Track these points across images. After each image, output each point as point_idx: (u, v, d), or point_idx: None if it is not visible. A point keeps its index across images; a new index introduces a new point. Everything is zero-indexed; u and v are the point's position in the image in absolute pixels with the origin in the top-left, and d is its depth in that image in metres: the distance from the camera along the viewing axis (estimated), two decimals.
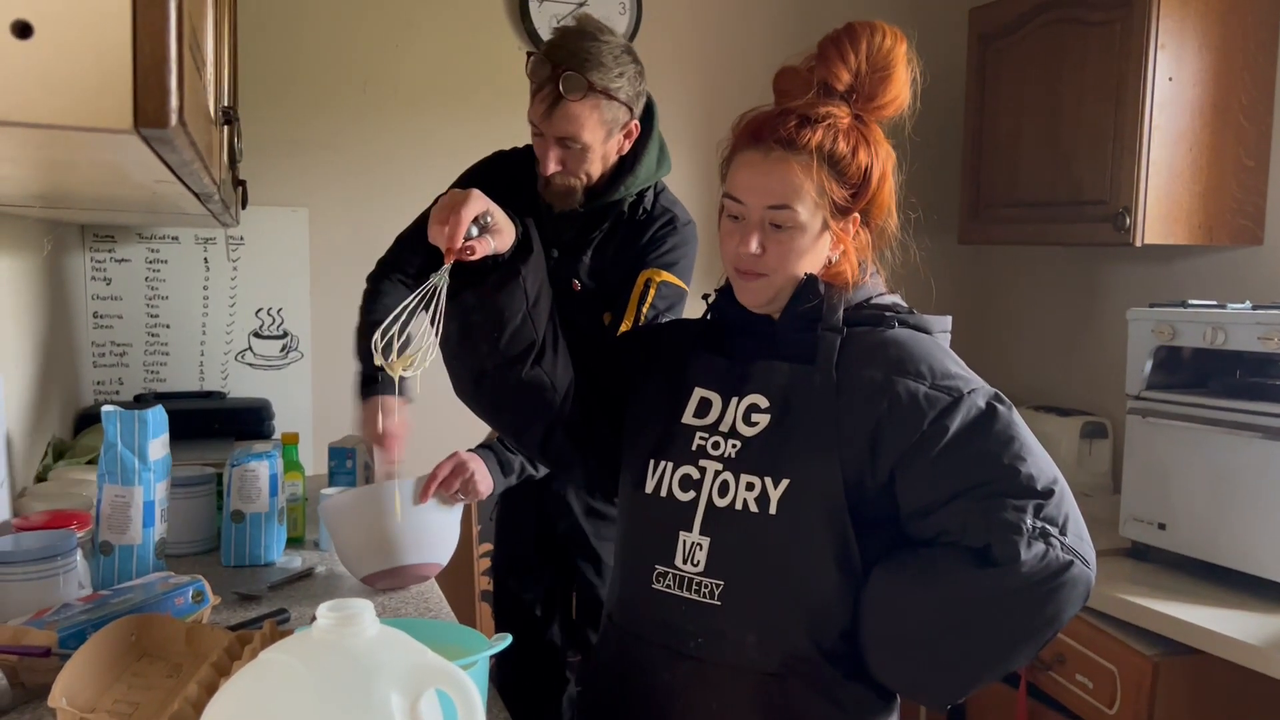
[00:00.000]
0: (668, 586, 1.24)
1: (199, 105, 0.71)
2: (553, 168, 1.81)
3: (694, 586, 1.22)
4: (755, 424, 1.22)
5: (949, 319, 1.31)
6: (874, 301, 1.27)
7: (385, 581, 1.70)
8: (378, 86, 2.73)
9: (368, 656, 0.75)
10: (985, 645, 1.15)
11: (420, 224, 2.04)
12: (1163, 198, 2.28)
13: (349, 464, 2.18)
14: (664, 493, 1.26)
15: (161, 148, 0.64)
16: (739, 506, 1.20)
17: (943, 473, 1.14)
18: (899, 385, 1.16)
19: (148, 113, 0.55)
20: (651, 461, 1.28)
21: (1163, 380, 2.08)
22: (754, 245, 1.21)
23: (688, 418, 1.28)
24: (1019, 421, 1.17)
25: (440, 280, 1.15)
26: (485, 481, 1.80)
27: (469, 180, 2.04)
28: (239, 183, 1.84)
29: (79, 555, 1.49)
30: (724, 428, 1.24)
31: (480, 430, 2.36)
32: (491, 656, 1.19)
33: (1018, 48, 2.62)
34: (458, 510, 1.78)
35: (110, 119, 0.55)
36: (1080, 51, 2.42)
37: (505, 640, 1.13)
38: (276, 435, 2.44)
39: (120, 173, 0.86)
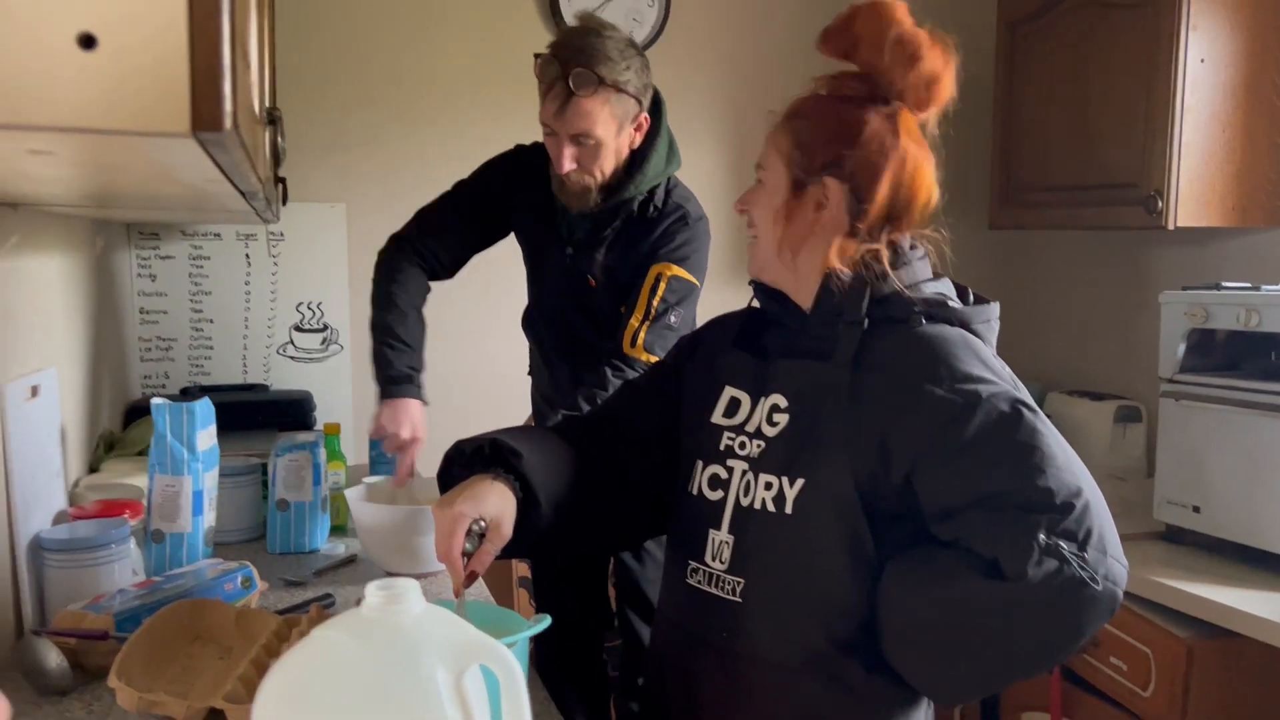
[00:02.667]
0: (699, 583, 1.26)
1: (247, 107, 0.75)
2: (569, 165, 1.83)
3: (720, 583, 1.23)
4: (776, 424, 1.21)
5: (993, 308, 1.26)
6: (907, 291, 1.21)
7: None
8: (412, 83, 2.77)
9: (414, 633, 0.79)
10: (991, 654, 1.12)
11: (444, 206, 2.07)
12: (1195, 180, 2.26)
13: (389, 455, 2.22)
14: (696, 491, 1.28)
15: (214, 150, 0.67)
16: (758, 506, 1.20)
17: (958, 479, 1.10)
18: (913, 388, 1.13)
19: (203, 117, 0.58)
20: (696, 462, 1.29)
21: (1196, 363, 2.07)
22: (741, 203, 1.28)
23: (717, 417, 1.28)
24: (1045, 428, 1.11)
25: (461, 609, 1.15)
26: None
27: (488, 173, 2.07)
28: (279, 180, 1.89)
29: (132, 543, 1.54)
30: (750, 428, 1.24)
31: (518, 416, 2.39)
32: (531, 638, 1.22)
33: (1046, 32, 2.61)
34: None
35: (168, 124, 0.58)
36: (1110, 35, 2.41)
37: (545, 621, 1.16)
38: (318, 426, 2.49)
39: (171, 173, 0.90)
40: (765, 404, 1.23)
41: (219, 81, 0.59)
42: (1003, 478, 1.08)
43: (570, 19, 2.82)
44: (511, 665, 0.81)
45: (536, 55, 1.84)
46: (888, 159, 1.19)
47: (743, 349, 1.31)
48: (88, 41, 0.56)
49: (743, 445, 1.24)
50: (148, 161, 0.80)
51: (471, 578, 1.18)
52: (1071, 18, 2.52)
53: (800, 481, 1.16)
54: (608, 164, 1.87)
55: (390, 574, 1.74)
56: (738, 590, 1.21)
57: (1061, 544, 1.04)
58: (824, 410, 1.17)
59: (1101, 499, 1.10)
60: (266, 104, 1.21)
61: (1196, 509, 2.02)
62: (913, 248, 1.25)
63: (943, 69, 1.19)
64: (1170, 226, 2.26)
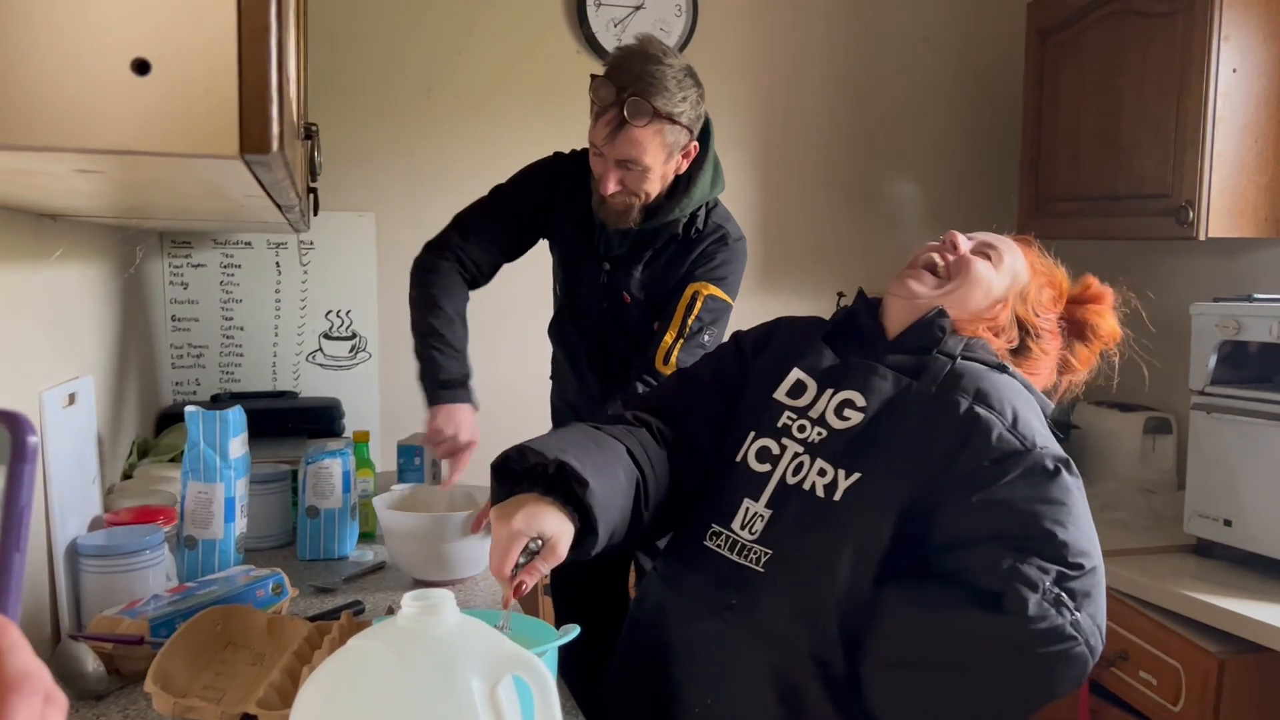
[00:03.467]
0: (718, 546, 1.28)
1: (290, 126, 0.76)
2: (613, 188, 1.83)
3: (743, 551, 1.26)
4: (847, 419, 1.26)
5: (1049, 404, 1.36)
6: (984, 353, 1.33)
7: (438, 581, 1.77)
8: (441, 92, 2.80)
9: (450, 643, 0.79)
10: (969, 690, 1.15)
11: (483, 211, 2.07)
12: (1227, 190, 2.25)
13: (417, 461, 2.24)
14: (740, 459, 1.31)
15: (259, 170, 0.68)
16: (806, 487, 1.24)
17: (986, 514, 1.16)
18: (980, 416, 1.20)
19: (252, 139, 0.60)
20: (749, 432, 1.33)
21: (1228, 375, 2.06)
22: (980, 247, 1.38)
23: (780, 394, 1.34)
24: (1078, 493, 1.17)
25: (505, 623, 1.13)
26: None
27: (528, 179, 2.07)
28: (311, 190, 1.91)
29: (166, 549, 1.56)
30: (814, 414, 1.29)
31: (537, 419, 2.40)
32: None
33: (1077, 41, 2.60)
34: None
35: (219, 146, 0.60)
36: (1141, 44, 2.40)
37: (574, 631, 1.16)
38: (347, 433, 2.51)
39: (214, 190, 0.92)
40: (836, 397, 1.29)
41: (267, 105, 0.60)
42: (1029, 524, 1.13)
43: (597, 27, 2.83)
44: (545, 676, 0.82)
45: (593, 76, 1.83)
46: (1027, 292, 1.39)
47: (828, 343, 1.38)
48: (142, 67, 0.58)
49: (802, 429, 1.29)
50: (191, 179, 0.82)
51: (519, 590, 1.17)
52: (1103, 27, 2.51)
53: (857, 475, 1.21)
54: (653, 188, 1.87)
55: (418, 581, 1.76)
56: (762, 560, 1.24)
57: (1064, 597, 1.09)
58: (901, 422, 1.23)
59: (1103, 573, 1.16)
60: (305, 119, 1.23)
61: (1228, 522, 2.01)
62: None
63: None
64: (1201, 237, 2.25)
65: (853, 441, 1.24)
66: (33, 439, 0.47)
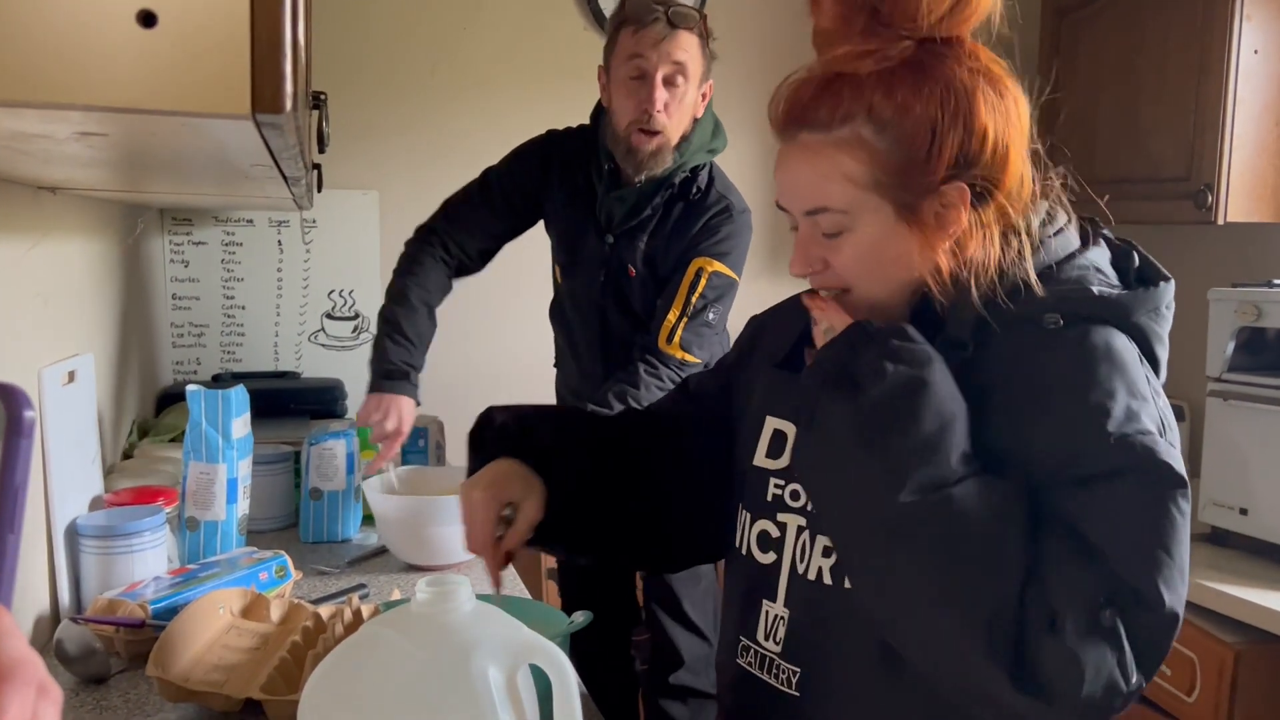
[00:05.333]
0: (749, 664, 1.03)
1: (303, 89, 0.73)
2: (661, 103, 1.83)
3: (773, 670, 0.99)
4: None
5: (1163, 291, 0.94)
6: (1038, 283, 0.90)
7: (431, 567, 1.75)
8: (446, 69, 2.75)
9: (466, 631, 0.77)
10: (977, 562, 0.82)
11: (473, 195, 2.05)
12: (1247, 174, 2.21)
13: (420, 443, 2.21)
14: (745, 550, 1.04)
15: (270, 133, 0.65)
16: (812, 576, 0.96)
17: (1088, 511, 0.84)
18: (1045, 405, 0.87)
19: (265, 99, 0.56)
20: (744, 513, 1.06)
21: (1245, 362, 2.02)
22: (801, 264, 0.96)
23: (759, 459, 1.04)
24: (1184, 517, 0.85)
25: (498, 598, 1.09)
26: None
27: (521, 160, 2.04)
28: (315, 165, 1.87)
29: (167, 530, 1.53)
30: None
31: None
32: None
33: (1095, 20, 2.56)
34: None
35: (229, 105, 0.56)
36: (1160, 24, 2.35)
37: (588, 616, 1.14)
38: (349, 414, 2.48)
39: (219, 158, 0.88)
40: None
41: (280, 62, 0.57)
42: (1121, 541, 0.83)
43: (604, 4, 2.79)
44: (563, 664, 0.79)
45: (622, 2, 1.90)
46: (1009, 123, 0.90)
47: (789, 367, 1.05)
48: (147, 19, 0.54)
49: (795, 495, 0.99)
50: (196, 143, 0.78)
51: (506, 559, 1.08)
52: (1121, 6, 2.47)
53: None
54: (686, 119, 1.88)
55: (411, 567, 1.73)
56: (794, 682, 0.97)
57: (1124, 637, 0.81)
58: None
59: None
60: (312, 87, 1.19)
61: (1244, 511, 1.98)
62: (1047, 219, 0.96)
63: None
64: (1220, 222, 2.21)
65: None
66: (29, 414, 0.44)
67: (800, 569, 0.97)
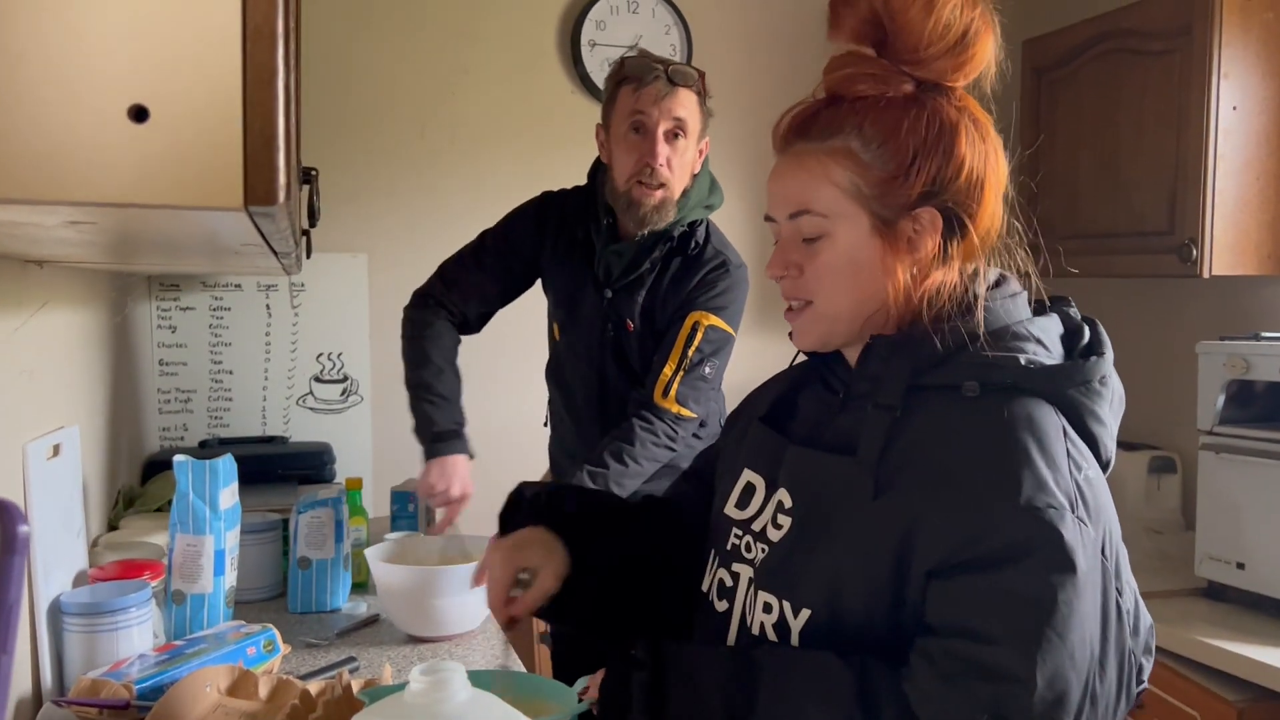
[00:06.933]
0: None
1: (294, 173, 0.72)
2: (663, 156, 1.85)
3: None
4: (780, 527, 0.96)
5: (1098, 365, 0.93)
6: (970, 341, 0.92)
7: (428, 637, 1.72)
8: (435, 132, 2.77)
9: None
10: None
11: (468, 259, 2.05)
12: (1230, 228, 2.23)
13: (411, 508, 2.19)
14: (709, 595, 1.06)
15: (262, 221, 0.65)
16: (756, 630, 0.95)
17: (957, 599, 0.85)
18: (949, 482, 0.86)
19: (257, 192, 0.56)
20: (711, 554, 1.08)
21: (1236, 415, 2.03)
22: (778, 266, 0.99)
23: (729, 507, 1.05)
24: (1078, 598, 0.83)
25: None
26: None
27: (516, 222, 2.05)
28: (304, 232, 1.87)
29: (152, 605, 1.50)
30: (757, 526, 1.00)
31: (533, 470, 2.36)
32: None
33: (1073, 79, 2.60)
34: None
35: (222, 198, 0.56)
36: (1139, 82, 2.39)
37: (585, 704, 1.11)
38: (339, 479, 2.45)
39: (209, 240, 0.88)
40: (774, 497, 0.98)
41: (273, 154, 0.56)
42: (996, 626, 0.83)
43: (591, 68, 2.82)
44: None
45: (623, 59, 1.92)
46: (986, 162, 0.95)
47: (771, 422, 1.07)
48: (139, 114, 0.54)
49: (749, 547, 1.00)
50: (186, 230, 0.78)
51: (511, 623, 1.12)
52: (1099, 65, 2.51)
53: (806, 613, 0.91)
54: (686, 173, 1.90)
55: (411, 637, 1.70)
56: None
57: None
58: (838, 519, 0.91)
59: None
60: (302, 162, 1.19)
61: (1240, 565, 1.97)
62: (1000, 282, 0.99)
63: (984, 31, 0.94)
64: (1205, 275, 2.23)
65: (787, 558, 0.94)
66: (24, 529, 0.43)
67: (748, 621, 0.97)
